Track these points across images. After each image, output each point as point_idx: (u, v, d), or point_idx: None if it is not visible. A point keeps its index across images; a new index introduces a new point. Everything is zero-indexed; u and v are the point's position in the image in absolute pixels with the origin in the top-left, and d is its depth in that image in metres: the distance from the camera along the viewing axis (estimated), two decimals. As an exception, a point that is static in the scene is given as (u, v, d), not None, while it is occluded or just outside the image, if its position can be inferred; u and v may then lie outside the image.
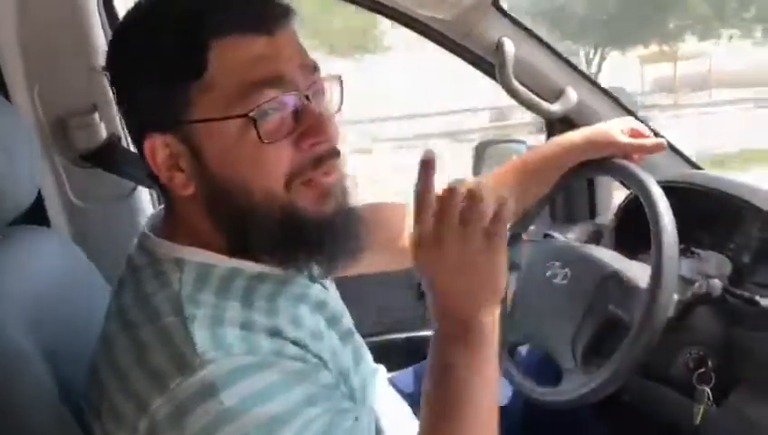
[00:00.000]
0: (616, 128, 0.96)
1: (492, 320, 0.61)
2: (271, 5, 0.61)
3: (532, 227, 1.06)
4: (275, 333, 0.59)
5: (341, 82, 0.67)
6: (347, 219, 0.65)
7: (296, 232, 0.61)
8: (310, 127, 0.61)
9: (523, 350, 1.09)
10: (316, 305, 0.68)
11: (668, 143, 1.24)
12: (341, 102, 0.67)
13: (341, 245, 0.64)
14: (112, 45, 0.63)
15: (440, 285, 0.60)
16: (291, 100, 0.60)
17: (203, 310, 0.57)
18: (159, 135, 0.60)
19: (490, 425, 0.61)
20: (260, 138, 0.58)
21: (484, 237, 0.58)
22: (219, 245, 0.63)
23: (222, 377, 0.53)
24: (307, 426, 0.54)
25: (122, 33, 0.64)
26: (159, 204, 1.20)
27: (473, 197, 0.57)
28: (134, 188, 1.17)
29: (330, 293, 0.73)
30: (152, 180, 0.65)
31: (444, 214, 0.58)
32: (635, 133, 0.97)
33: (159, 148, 0.61)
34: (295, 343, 0.59)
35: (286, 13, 0.61)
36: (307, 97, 0.61)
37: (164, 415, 0.53)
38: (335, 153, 0.63)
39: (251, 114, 0.58)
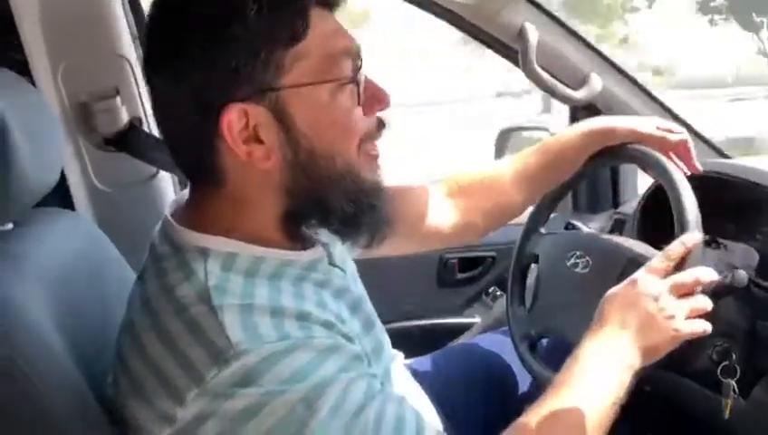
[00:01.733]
0: (641, 123, 0.94)
1: (637, 368, 0.70)
2: None
3: (553, 215, 1.05)
4: (304, 317, 0.59)
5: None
6: (385, 188, 0.68)
7: (361, 198, 0.64)
8: (374, 94, 0.65)
9: (545, 341, 1.08)
10: (338, 292, 0.68)
11: (695, 131, 1.22)
12: None
13: (387, 214, 0.67)
14: (169, 10, 0.61)
15: (625, 322, 0.71)
16: (360, 69, 0.64)
17: (231, 299, 0.57)
18: (238, 105, 0.58)
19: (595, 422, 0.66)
20: (359, 101, 0.63)
21: (685, 316, 0.71)
22: (260, 228, 0.63)
23: (258, 365, 0.54)
24: (347, 389, 0.56)
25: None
26: (182, 188, 1.22)
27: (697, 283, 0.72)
28: (156, 173, 1.18)
29: (349, 279, 0.73)
30: (175, 164, 0.65)
31: (678, 280, 0.72)
32: (667, 128, 0.94)
33: (236, 119, 0.59)
34: (324, 324, 0.60)
35: None
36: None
37: (203, 405, 0.54)
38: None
39: (355, 77, 0.62)
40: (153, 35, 0.62)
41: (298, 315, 0.59)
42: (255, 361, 0.54)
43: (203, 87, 0.59)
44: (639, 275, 0.74)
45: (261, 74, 0.58)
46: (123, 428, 0.61)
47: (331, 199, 0.63)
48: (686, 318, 0.71)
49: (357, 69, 0.63)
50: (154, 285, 0.61)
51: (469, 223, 0.98)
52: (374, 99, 0.65)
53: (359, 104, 0.63)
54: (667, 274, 0.73)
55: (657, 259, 0.74)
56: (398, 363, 0.80)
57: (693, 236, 0.76)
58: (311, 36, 0.60)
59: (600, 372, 0.68)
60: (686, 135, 0.93)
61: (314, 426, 0.54)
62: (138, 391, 0.59)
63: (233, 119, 0.58)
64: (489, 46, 1.24)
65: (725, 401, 0.80)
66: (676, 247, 0.75)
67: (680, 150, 0.92)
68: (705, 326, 0.72)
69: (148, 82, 0.65)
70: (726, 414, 0.80)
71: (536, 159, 0.98)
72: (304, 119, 0.60)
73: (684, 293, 0.72)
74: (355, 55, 0.63)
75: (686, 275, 0.73)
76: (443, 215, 0.97)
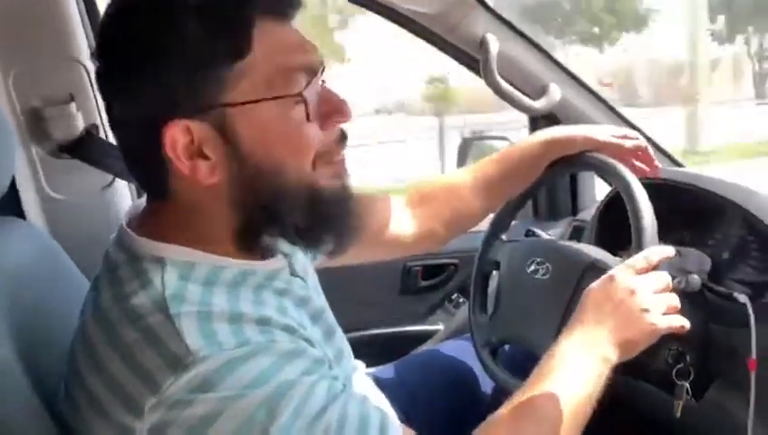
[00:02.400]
0: (597, 131, 0.96)
1: (613, 362, 0.71)
2: None
3: (514, 222, 1.06)
4: (265, 322, 0.58)
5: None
6: (352, 196, 0.67)
7: (319, 209, 0.63)
8: (333, 106, 0.63)
9: (507, 348, 1.09)
10: (299, 301, 0.67)
11: (650, 139, 1.26)
12: None
13: (350, 220, 0.67)
14: (115, 26, 0.60)
15: (602, 316, 0.72)
16: (318, 83, 0.63)
17: (188, 307, 0.56)
18: (181, 121, 0.57)
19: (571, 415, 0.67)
20: (308, 117, 0.61)
21: (662, 311, 0.73)
22: (216, 240, 0.62)
23: (217, 371, 0.53)
24: (309, 391, 0.56)
25: (133, 11, 0.59)
26: (139, 196, 1.19)
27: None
28: (112, 181, 1.16)
29: (310, 289, 0.72)
30: (130, 175, 0.64)
31: (652, 277, 0.74)
32: (624, 135, 0.96)
33: (180, 135, 0.57)
34: (285, 329, 0.60)
35: (301, 2, 0.63)
36: (322, 81, 0.64)
37: (160, 415, 0.53)
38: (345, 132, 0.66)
39: (304, 93, 0.60)
40: (102, 50, 0.61)
41: (258, 320, 0.58)
42: (215, 367, 0.53)
43: (146, 102, 0.58)
44: (617, 270, 0.75)
45: (203, 91, 0.57)
46: None
47: (283, 213, 0.62)
48: (663, 314, 0.73)
49: (308, 83, 0.61)
50: (108, 295, 0.60)
51: (430, 231, 0.99)
52: (333, 112, 0.63)
53: (308, 120, 0.61)
54: (643, 272, 0.75)
55: (638, 258, 0.76)
56: (359, 373, 0.80)
57: (665, 248, 0.78)
58: (257, 51, 0.58)
59: (576, 365, 0.69)
60: (641, 141, 0.96)
61: (275, 430, 0.53)
62: (94, 405, 0.57)
63: (176, 135, 0.57)
64: (451, 56, 1.25)
65: (677, 403, 0.82)
66: (652, 255, 0.76)
67: (640, 155, 0.95)
68: (681, 321, 0.74)
69: (102, 94, 0.63)
70: (678, 414, 0.82)
71: (496, 167, 0.99)
72: (250, 135, 0.59)
73: (659, 290, 0.74)
74: (310, 69, 0.61)
75: (661, 274, 0.75)
76: (404, 223, 0.98)
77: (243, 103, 0.58)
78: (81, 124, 1.10)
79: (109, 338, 0.57)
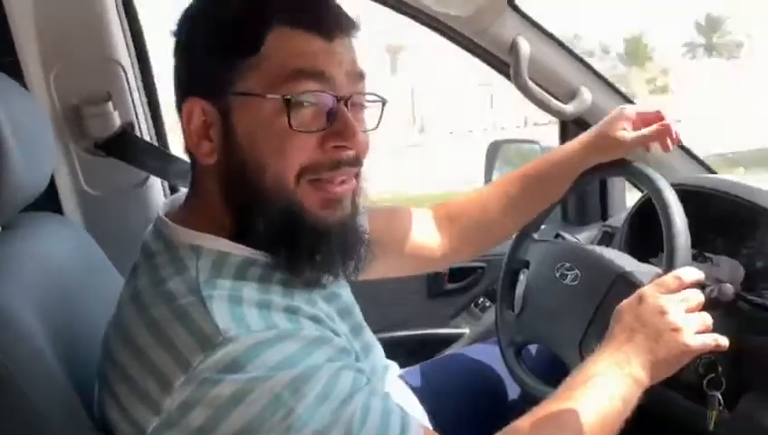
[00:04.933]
0: (620, 123, 0.93)
1: (646, 383, 0.71)
2: (334, 12, 0.65)
3: (543, 227, 1.05)
4: (293, 311, 0.60)
5: (384, 105, 0.70)
6: (346, 233, 0.66)
7: (293, 229, 0.63)
8: (338, 130, 0.63)
9: (533, 349, 1.08)
10: (328, 295, 0.69)
11: (682, 146, 1.24)
12: (378, 123, 0.70)
13: (335, 256, 0.65)
14: (185, 13, 0.67)
15: (632, 336, 0.71)
16: (328, 100, 0.63)
17: (220, 291, 0.58)
18: (200, 100, 0.63)
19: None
20: (289, 122, 0.61)
21: (695, 331, 0.72)
22: (229, 229, 0.64)
23: (245, 352, 0.54)
24: (335, 377, 0.57)
25: (195, 3, 0.67)
26: (171, 194, 1.21)
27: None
28: (146, 178, 1.18)
29: (340, 286, 0.73)
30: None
31: (684, 296, 0.73)
32: (642, 118, 0.93)
33: (197, 113, 0.64)
34: (312, 318, 0.61)
35: (348, 24, 0.65)
36: (346, 103, 0.63)
37: (190, 392, 0.54)
38: (356, 162, 0.65)
39: (286, 97, 0.61)
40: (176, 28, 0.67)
41: (286, 309, 0.60)
42: (243, 348, 0.55)
43: (181, 78, 0.66)
44: (647, 290, 0.74)
45: (218, 76, 0.62)
46: (110, 430, 0.61)
47: (255, 214, 0.63)
48: (696, 333, 0.72)
49: (320, 95, 0.62)
50: (144, 280, 0.62)
51: (457, 249, 1.00)
52: (336, 135, 0.63)
53: (315, 132, 0.62)
54: (674, 291, 0.74)
55: (669, 278, 0.75)
56: (392, 373, 0.80)
57: (696, 271, 0.76)
58: (269, 51, 0.61)
59: (606, 383, 0.68)
60: (666, 122, 0.93)
61: (301, 412, 0.54)
62: (125, 382, 0.59)
63: (194, 111, 0.64)
64: (481, 59, 1.25)
65: (711, 413, 0.80)
66: (684, 274, 0.75)
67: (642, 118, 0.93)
68: (717, 339, 0.72)
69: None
70: (711, 426, 0.81)
71: (525, 181, 0.98)
72: (244, 128, 0.62)
73: (691, 309, 0.73)
74: (319, 80, 0.62)
75: (693, 293, 0.74)
76: (431, 239, 0.98)
77: (244, 94, 0.62)
78: (117, 122, 1.12)
79: (142, 317, 0.59)
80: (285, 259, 0.64)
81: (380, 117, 0.70)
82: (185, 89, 0.65)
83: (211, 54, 0.63)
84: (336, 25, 0.64)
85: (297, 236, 0.63)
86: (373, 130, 0.70)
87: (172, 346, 0.56)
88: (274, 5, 0.62)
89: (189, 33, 0.65)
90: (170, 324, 0.56)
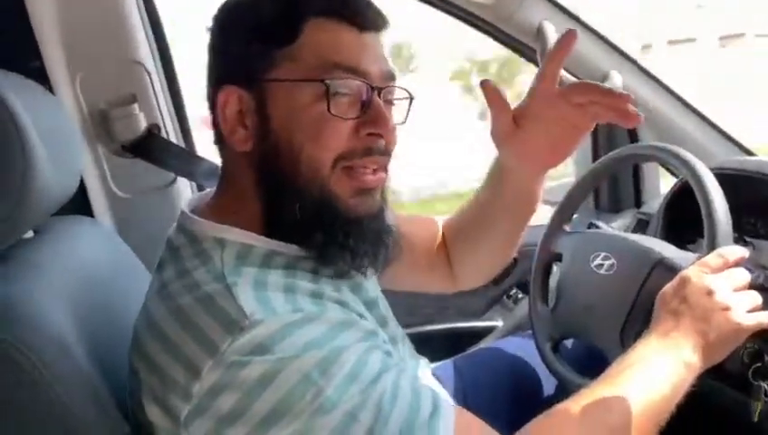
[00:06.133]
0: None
1: (698, 367, 0.68)
2: (370, 7, 0.66)
3: (575, 216, 1.03)
4: (318, 295, 0.60)
5: (412, 101, 0.71)
6: (377, 223, 0.67)
7: (326, 217, 0.63)
8: (373, 118, 0.64)
9: (568, 343, 1.06)
10: (354, 286, 0.69)
11: (719, 129, 1.20)
12: (406, 119, 0.72)
13: (367, 247, 0.66)
14: (223, 5, 0.69)
15: (680, 320, 0.68)
16: (363, 89, 0.64)
17: (245, 277, 0.59)
18: (236, 88, 0.64)
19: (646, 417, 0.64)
20: (329, 107, 0.62)
21: (745, 309, 0.69)
22: (258, 220, 0.65)
23: (272, 335, 0.54)
24: (364, 356, 0.57)
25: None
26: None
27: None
28: (174, 179, 1.19)
29: (369, 280, 0.72)
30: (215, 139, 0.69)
31: (730, 275, 0.70)
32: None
33: (233, 101, 0.65)
34: (338, 302, 0.61)
35: (381, 20, 0.67)
36: (379, 94, 0.65)
37: (218, 376, 0.54)
38: (386, 152, 0.67)
39: (326, 82, 0.62)
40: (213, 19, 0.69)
41: (312, 293, 0.60)
42: (270, 330, 0.55)
43: (217, 67, 0.67)
44: (690, 271, 0.72)
45: (254, 64, 0.64)
46: (141, 428, 0.61)
47: (288, 201, 0.64)
48: (748, 311, 0.69)
49: (356, 84, 0.63)
50: (170, 273, 0.63)
51: (474, 273, 0.98)
52: (371, 122, 0.64)
53: (350, 119, 0.63)
54: (719, 270, 0.71)
55: (711, 257, 0.72)
56: (423, 367, 0.79)
57: (739, 248, 0.74)
58: (304, 42, 0.63)
59: (654, 367, 0.66)
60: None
61: (330, 393, 0.54)
62: (154, 372, 0.59)
63: (229, 99, 0.65)
64: (507, 46, 1.23)
65: (755, 404, 0.78)
66: (726, 253, 0.72)
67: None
68: None
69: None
70: (756, 417, 0.78)
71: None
72: (280, 114, 0.63)
73: (739, 288, 0.70)
74: (355, 70, 0.63)
75: (738, 271, 0.71)
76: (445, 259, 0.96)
77: (281, 81, 0.63)
78: (143, 124, 1.13)
79: (168, 307, 0.59)
80: (317, 247, 0.64)
81: (408, 112, 0.71)
82: (220, 78, 0.66)
83: (248, 44, 0.64)
84: (370, 19, 0.65)
85: (330, 224, 0.64)
86: (402, 124, 0.70)
87: (199, 332, 0.56)
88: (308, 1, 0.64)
89: (226, 24, 0.67)
90: (196, 311, 0.57)
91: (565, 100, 0.75)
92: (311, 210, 0.63)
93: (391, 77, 0.67)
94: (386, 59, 0.67)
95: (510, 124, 0.78)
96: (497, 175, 0.86)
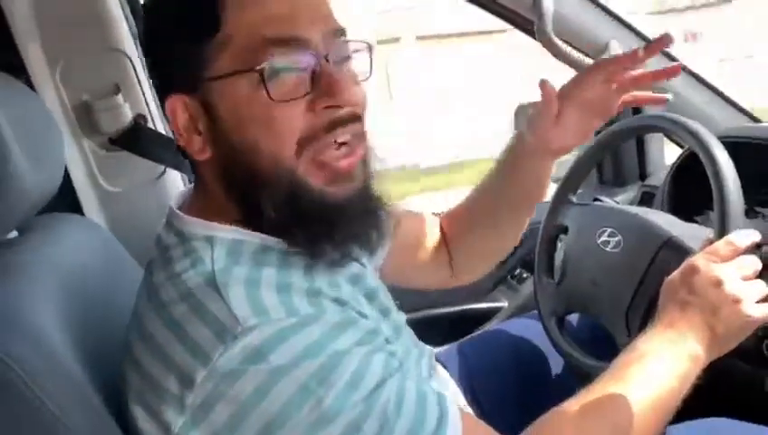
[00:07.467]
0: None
1: (704, 360, 0.65)
2: None
3: (580, 191, 1.00)
4: (314, 293, 0.57)
5: (371, 50, 0.65)
6: (362, 202, 0.62)
7: (303, 210, 0.59)
8: (325, 89, 0.58)
9: (573, 320, 1.04)
10: (352, 278, 0.65)
11: (725, 97, 1.17)
12: (371, 70, 0.65)
13: (356, 230, 0.62)
14: (145, 11, 0.65)
15: (687, 311, 0.66)
16: (307, 59, 0.58)
17: (236, 277, 0.55)
18: (180, 96, 0.60)
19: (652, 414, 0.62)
20: (269, 95, 0.56)
21: (755, 300, 0.66)
22: (241, 218, 0.61)
23: (266, 342, 0.51)
24: (365, 362, 0.53)
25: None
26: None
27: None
28: (164, 171, 1.16)
29: (367, 271, 0.70)
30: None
31: (739, 264, 0.67)
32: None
33: (180, 110, 0.60)
34: (336, 301, 0.58)
35: None
36: (326, 59, 0.59)
37: (212, 387, 0.52)
38: (353, 118, 0.61)
39: (257, 68, 0.56)
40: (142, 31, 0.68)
41: (308, 291, 0.57)
42: (264, 337, 0.51)
43: (156, 79, 0.64)
44: (698, 259, 0.69)
45: (189, 66, 0.58)
46: (135, 433, 0.59)
47: (261, 200, 0.59)
48: (756, 302, 0.66)
49: (296, 58, 0.57)
50: (160, 276, 0.59)
51: (472, 267, 0.97)
52: (324, 93, 0.58)
53: (301, 97, 0.57)
54: (729, 259, 0.68)
55: (721, 244, 0.69)
56: (426, 355, 0.76)
57: (751, 232, 0.71)
58: (234, 24, 0.57)
59: (658, 363, 0.64)
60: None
61: (331, 402, 0.51)
62: (146, 381, 0.56)
63: (177, 109, 0.60)
64: (503, 18, 1.19)
65: None
66: (737, 239, 0.69)
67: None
68: None
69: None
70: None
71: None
72: (226, 113, 0.59)
73: (748, 277, 0.67)
74: (303, 45, 0.57)
75: (749, 259, 0.68)
76: (443, 255, 0.94)
77: (217, 78, 0.58)
78: (128, 115, 1.10)
79: (158, 313, 0.57)
80: (304, 242, 0.60)
81: (371, 63, 0.65)
82: (163, 89, 0.62)
83: (176, 44, 0.59)
84: None
85: (309, 216, 0.59)
86: (367, 79, 0.64)
87: (190, 340, 0.53)
88: None
89: (150, 30, 0.62)
90: (187, 318, 0.54)
91: (598, 81, 0.77)
92: (284, 205, 0.59)
93: (339, 33, 0.61)
94: (328, 15, 0.61)
95: (554, 114, 0.79)
96: (510, 163, 0.86)
